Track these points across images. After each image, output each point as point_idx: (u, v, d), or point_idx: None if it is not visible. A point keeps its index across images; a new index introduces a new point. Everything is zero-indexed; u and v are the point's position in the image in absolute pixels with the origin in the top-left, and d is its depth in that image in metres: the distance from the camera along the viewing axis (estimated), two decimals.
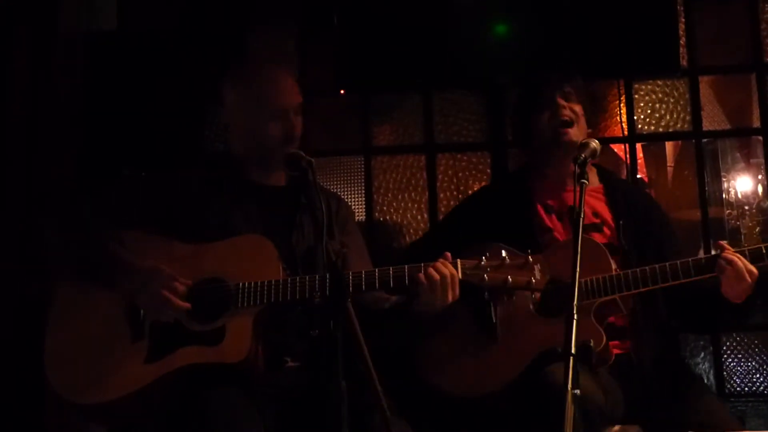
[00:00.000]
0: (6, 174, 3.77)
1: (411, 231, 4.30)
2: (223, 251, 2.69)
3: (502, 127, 4.19)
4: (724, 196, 4.21)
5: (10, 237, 3.69)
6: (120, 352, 2.62)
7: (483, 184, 4.26)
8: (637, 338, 2.92)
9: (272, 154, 2.80)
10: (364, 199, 4.27)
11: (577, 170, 2.46)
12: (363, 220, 4.22)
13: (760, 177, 4.20)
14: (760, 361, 4.03)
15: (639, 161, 4.20)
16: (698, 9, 4.17)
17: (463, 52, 3.97)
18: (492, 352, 2.92)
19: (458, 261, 2.62)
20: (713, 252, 2.79)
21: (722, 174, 4.23)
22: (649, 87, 4.24)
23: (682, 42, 4.06)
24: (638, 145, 4.21)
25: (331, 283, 2.48)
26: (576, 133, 3.03)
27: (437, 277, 2.59)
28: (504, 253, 2.58)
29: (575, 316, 2.14)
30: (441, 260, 2.63)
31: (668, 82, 4.22)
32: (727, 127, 4.27)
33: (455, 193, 4.28)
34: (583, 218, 2.35)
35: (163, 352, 2.59)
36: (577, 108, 3.08)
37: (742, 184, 4.27)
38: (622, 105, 4.18)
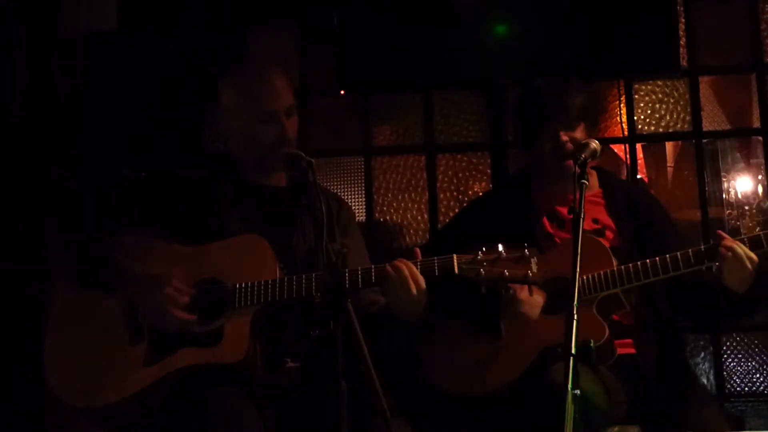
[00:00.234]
0: (6, 174, 3.77)
1: (411, 231, 4.30)
2: (221, 252, 2.69)
3: (502, 127, 4.19)
4: (724, 196, 4.21)
5: (10, 237, 3.70)
6: (119, 354, 2.61)
7: (483, 184, 4.26)
8: (641, 337, 2.92)
9: (267, 156, 2.79)
10: (364, 199, 4.27)
11: (577, 170, 2.47)
12: (363, 220, 4.22)
13: (760, 177, 4.21)
14: (760, 361, 4.03)
15: (639, 161, 4.20)
16: (698, 9, 4.17)
17: (463, 52, 3.97)
18: (495, 351, 2.92)
19: (454, 256, 2.61)
20: (714, 243, 2.78)
21: (722, 174, 4.24)
22: (649, 87, 4.24)
23: (682, 42, 4.06)
24: (638, 146, 4.21)
25: (330, 283, 2.47)
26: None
27: (391, 272, 2.58)
28: (500, 248, 2.58)
29: (575, 316, 2.14)
30: (397, 258, 2.63)
31: (668, 83, 4.22)
32: (727, 127, 4.27)
33: (455, 193, 4.28)
34: (583, 220, 2.35)
35: (162, 353, 2.59)
36: (579, 132, 3.05)
37: (742, 185, 4.27)
38: (622, 105, 4.18)
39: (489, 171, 4.28)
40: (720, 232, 2.81)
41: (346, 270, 2.59)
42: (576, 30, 3.90)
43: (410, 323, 2.69)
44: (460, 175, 4.31)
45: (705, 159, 4.14)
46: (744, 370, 4.03)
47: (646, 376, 2.88)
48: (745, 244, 2.74)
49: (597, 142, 2.64)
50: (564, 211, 3.06)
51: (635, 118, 4.17)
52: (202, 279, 2.67)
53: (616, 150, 4.28)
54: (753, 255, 2.73)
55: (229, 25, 4.27)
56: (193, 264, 2.68)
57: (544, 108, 3.06)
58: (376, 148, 4.35)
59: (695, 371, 3.87)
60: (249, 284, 2.61)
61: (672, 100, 4.23)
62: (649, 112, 4.23)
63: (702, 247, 2.80)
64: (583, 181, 2.44)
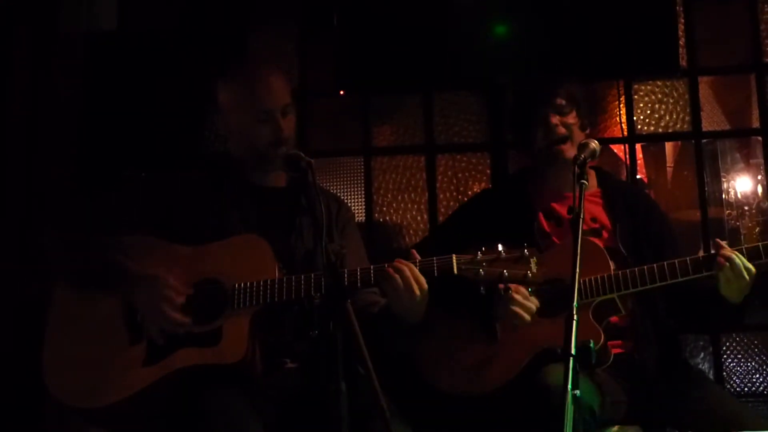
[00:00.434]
0: (6, 174, 3.77)
1: (411, 232, 4.30)
2: (220, 252, 2.69)
3: (501, 127, 4.19)
4: (723, 196, 4.22)
5: (10, 237, 3.70)
6: (118, 355, 2.61)
7: (483, 184, 4.26)
8: (639, 340, 2.92)
9: (265, 156, 2.79)
10: (363, 199, 4.27)
11: (577, 170, 2.47)
12: (363, 220, 4.22)
13: (759, 177, 4.21)
14: (760, 362, 4.03)
15: (639, 162, 4.20)
16: (698, 9, 4.18)
17: (463, 52, 3.97)
18: (491, 351, 2.92)
19: (453, 256, 2.60)
20: (713, 251, 2.78)
21: (722, 174, 4.24)
22: (648, 87, 4.24)
23: (681, 42, 4.07)
24: (638, 146, 4.21)
25: (329, 283, 2.47)
26: (571, 147, 3.02)
27: (394, 274, 2.57)
28: (499, 248, 2.58)
29: (575, 317, 2.14)
30: (397, 260, 2.62)
31: (668, 83, 4.22)
32: (727, 127, 4.28)
33: (455, 193, 4.28)
34: (583, 220, 2.35)
35: (162, 354, 2.58)
36: (571, 118, 3.07)
37: (741, 185, 4.27)
38: (621, 105, 4.18)
39: (488, 171, 4.28)
40: (718, 240, 2.79)
41: (345, 270, 2.59)
42: (576, 30, 3.90)
43: (411, 325, 2.69)
44: (460, 175, 4.31)
45: (704, 159, 4.15)
46: (743, 370, 4.03)
47: (646, 378, 2.88)
48: (743, 255, 2.72)
49: (596, 142, 2.64)
50: (559, 208, 3.07)
51: (635, 118, 4.17)
52: (201, 279, 2.67)
53: (615, 150, 4.28)
54: (751, 266, 2.71)
55: (229, 25, 4.27)
56: (192, 264, 2.68)
57: (535, 96, 3.09)
58: (376, 148, 4.36)
59: (696, 367, 3.86)
60: (248, 284, 2.60)
61: (671, 101, 4.23)
62: (648, 112, 4.23)
63: (700, 255, 2.80)
64: (583, 181, 2.44)
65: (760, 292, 2.79)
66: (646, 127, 4.22)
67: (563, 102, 3.07)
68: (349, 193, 4.29)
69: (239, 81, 2.86)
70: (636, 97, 4.21)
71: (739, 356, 4.04)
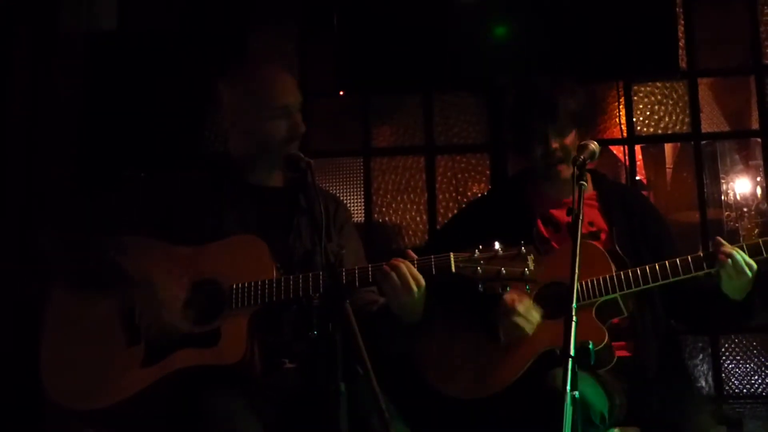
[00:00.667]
0: (6, 174, 3.77)
1: (410, 232, 4.31)
2: (219, 252, 2.68)
3: (501, 128, 4.19)
4: (722, 198, 4.22)
5: (10, 237, 3.69)
6: (116, 356, 2.60)
7: (482, 185, 4.27)
8: (639, 342, 2.92)
9: (275, 153, 2.78)
10: (363, 200, 4.28)
11: (576, 172, 2.47)
12: (362, 221, 4.22)
13: (758, 179, 4.21)
14: (759, 363, 4.04)
15: (638, 163, 4.21)
16: (698, 11, 4.18)
17: (463, 53, 3.97)
18: (493, 353, 2.91)
19: (451, 254, 2.60)
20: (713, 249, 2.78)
21: (721, 176, 4.25)
22: (648, 89, 4.25)
23: (681, 44, 4.07)
24: (637, 147, 4.22)
25: (328, 283, 2.47)
26: (568, 168, 3.01)
27: (390, 271, 2.57)
28: (497, 245, 2.57)
29: (574, 318, 2.14)
30: (394, 258, 2.62)
31: (667, 84, 4.23)
32: (726, 129, 4.29)
33: (454, 194, 4.28)
34: (582, 222, 2.35)
35: (160, 355, 2.58)
36: (569, 140, 3.03)
37: (740, 186, 4.28)
38: (621, 107, 4.19)
39: (488, 172, 4.28)
40: (718, 238, 2.79)
41: (343, 270, 2.60)
42: (575, 31, 3.90)
43: (410, 324, 2.69)
44: (459, 176, 4.32)
45: (704, 161, 4.15)
46: (742, 371, 4.03)
47: (646, 380, 2.88)
48: (743, 251, 2.72)
49: (596, 143, 2.63)
50: (558, 214, 3.07)
51: (634, 119, 4.18)
52: (200, 280, 2.66)
53: (615, 151, 4.28)
54: (752, 262, 2.71)
55: (229, 25, 4.27)
56: (191, 265, 2.67)
57: (536, 112, 3.04)
58: (376, 149, 4.36)
59: (692, 373, 3.87)
60: (246, 285, 2.60)
61: (671, 102, 4.23)
62: (648, 113, 4.24)
63: (701, 253, 2.80)
64: (582, 182, 2.44)
65: (762, 292, 2.79)
66: (645, 129, 4.23)
67: (563, 123, 3.01)
68: (348, 194, 4.30)
69: (249, 79, 2.86)
70: (635, 98, 4.22)
71: (738, 357, 4.05)
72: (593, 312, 2.80)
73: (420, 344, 3.00)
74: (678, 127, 4.21)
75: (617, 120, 4.22)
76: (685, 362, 3.22)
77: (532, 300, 2.88)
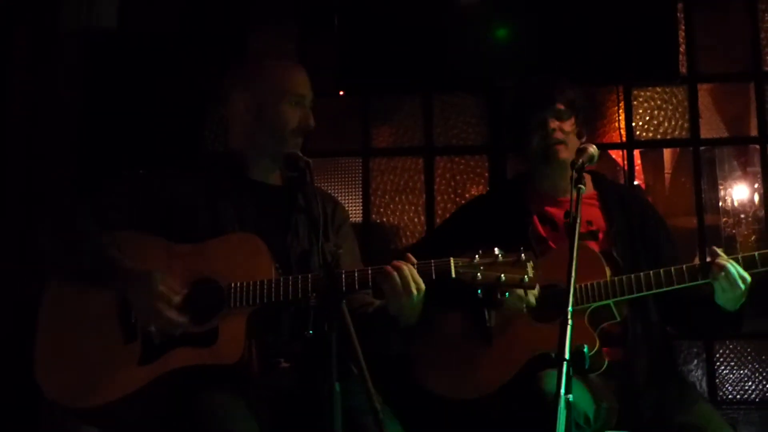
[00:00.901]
0: (6, 174, 3.77)
1: (408, 233, 4.31)
2: (217, 251, 2.67)
3: (501, 130, 4.20)
4: (720, 204, 4.23)
5: (10, 237, 3.69)
6: (113, 354, 2.59)
7: (481, 187, 4.27)
8: (629, 348, 2.92)
9: (282, 145, 2.75)
10: (361, 200, 4.28)
11: (574, 175, 2.47)
12: (360, 221, 4.23)
13: (756, 186, 4.22)
14: (753, 369, 4.04)
15: (637, 167, 4.22)
16: (698, 16, 4.19)
17: (463, 54, 3.98)
18: (485, 355, 2.92)
19: (451, 259, 2.60)
20: (708, 259, 2.78)
21: (719, 182, 4.25)
22: (647, 94, 4.25)
23: (681, 49, 4.08)
24: (636, 152, 4.23)
25: (325, 284, 2.47)
26: (568, 149, 3.02)
27: (393, 273, 2.57)
28: (496, 251, 2.58)
29: (570, 322, 2.14)
30: (395, 260, 2.63)
31: (667, 89, 4.23)
32: (725, 135, 4.29)
33: (453, 196, 4.29)
34: (579, 225, 2.35)
35: (157, 353, 2.57)
36: (569, 125, 3.07)
37: (738, 193, 4.28)
38: (620, 111, 4.19)
39: (487, 174, 4.29)
40: (714, 248, 2.79)
41: (343, 271, 2.60)
42: (576, 34, 3.91)
43: (407, 326, 2.70)
44: (458, 177, 4.32)
45: (702, 166, 4.16)
46: (736, 377, 4.04)
47: (636, 384, 2.88)
48: (739, 263, 2.72)
49: (594, 147, 2.64)
50: (554, 211, 3.08)
51: (633, 124, 4.19)
52: (199, 278, 2.65)
53: (614, 156, 4.29)
54: (746, 275, 2.71)
55: (229, 25, 4.27)
56: (189, 262, 2.66)
57: (534, 102, 3.08)
58: (375, 149, 4.37)
59: (687, 378, 3.87)
60: (244, 284, 2.60)
61: (670, 107, 4.24)
62: (647, 118, 4.24)
63: (696, 263, 2.80)
64: (580, 185, 2.45)
65: (755, 299, 2.80)
66: (644, 133, 4.23)
67: (563, 108, 3.07)
68: (346, 194, 4.30)
69: (273, 65, 2.88)
70: (635, 103, 4.22)
71: (732, 363, 4.05)
72: (585, 318, 2.81)
73: (415, 345, 3.01)
74: (677, 133, 4.22)
75: (617, 124, 4.22)
76: (677, 368, 3.22)
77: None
